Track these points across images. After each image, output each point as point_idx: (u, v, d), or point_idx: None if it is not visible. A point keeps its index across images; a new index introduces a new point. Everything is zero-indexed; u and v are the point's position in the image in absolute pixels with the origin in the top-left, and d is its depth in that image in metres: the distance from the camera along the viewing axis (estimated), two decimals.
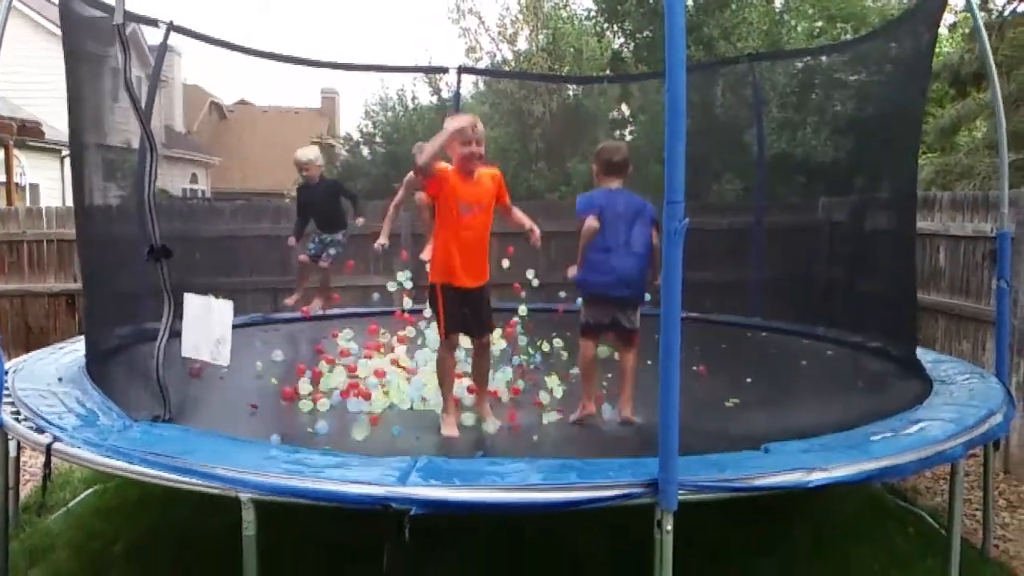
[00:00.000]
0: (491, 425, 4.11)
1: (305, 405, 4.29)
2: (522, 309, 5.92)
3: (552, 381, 4.66)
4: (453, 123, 3.94)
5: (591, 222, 3.84)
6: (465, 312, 4.08)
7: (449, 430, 4.06)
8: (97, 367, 4.23)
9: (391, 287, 5.86)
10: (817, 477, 2.78)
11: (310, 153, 6.68)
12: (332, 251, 6.54)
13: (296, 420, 4.15)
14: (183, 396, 3.86)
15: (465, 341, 4.44)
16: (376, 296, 6.53)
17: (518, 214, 4.39)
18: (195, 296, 3.63)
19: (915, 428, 3.38)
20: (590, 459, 2.96)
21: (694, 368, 4.89)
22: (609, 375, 4.46)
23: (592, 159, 4.07)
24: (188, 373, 4.35)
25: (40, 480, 4.90)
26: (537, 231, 4.35)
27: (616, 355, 4.25)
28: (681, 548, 2.59)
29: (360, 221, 6.60)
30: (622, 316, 3.90)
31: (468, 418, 4.14)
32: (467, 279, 4.05)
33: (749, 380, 4.74)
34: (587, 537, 3.84)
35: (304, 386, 4.52)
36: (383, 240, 6.08)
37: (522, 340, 5.70)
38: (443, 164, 4.04)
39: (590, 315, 3.93)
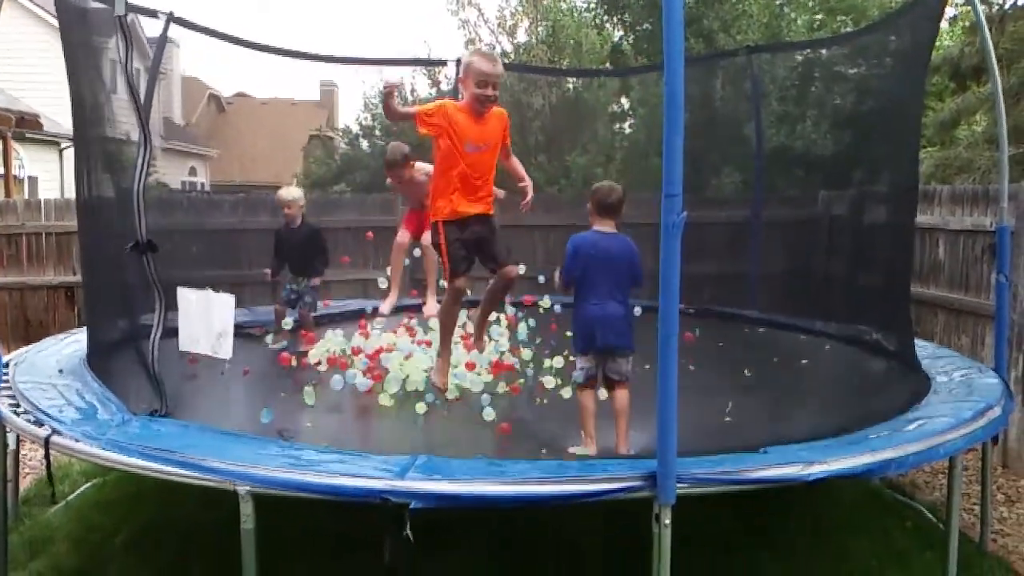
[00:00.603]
0: (480, 353, 4.37)
1: (309, 397, 4.29)
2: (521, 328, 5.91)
3: (555, 363, 4.80)
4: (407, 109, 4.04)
5: (559, 279, 3.83)
6: (473, 244, 3.99)
7: (440, 378, 4.13)
8: (97, 359, 4.23)
9: (383, 283, 5.83)
10: (816, 470, 2.77)
11: (294, 192, 6.38)
12: (308, 299, 6.21)
13: (294, 404, 4.18)
14: (183, 389, 3.86)
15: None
16: (368, 310, 6.31)
17: (516, 164, 4.35)
18: (193, 290, 3.63)
19: (914, 422, 3.38)
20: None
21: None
22: None
23: (588, 198, 3.91)
24: (188, 361, 4.36)
25: (38, 473, 4.95)
26: (530, 189, 4.36)
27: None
28: (680, 541, 2.59)
29: (316, 282, 6.20)
30: (609, 366, 3.76)
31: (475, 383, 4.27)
32: (469, 206, 3.96)
33: (747, 373, 4.75)
34: (586, 527, 3.85)
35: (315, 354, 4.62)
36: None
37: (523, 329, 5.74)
38: (446, 101, 4.02)
39: (582, 364, 3.79)
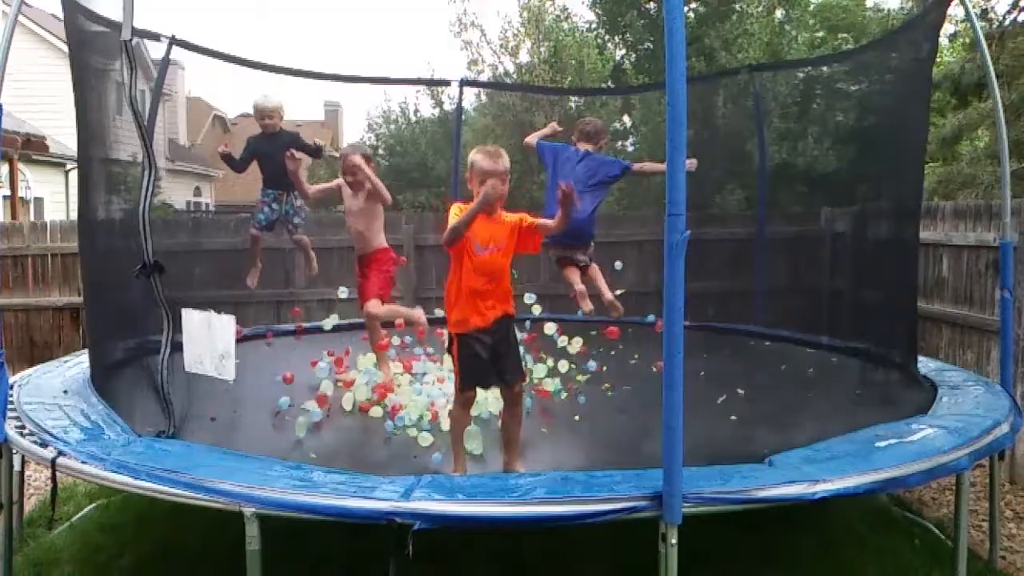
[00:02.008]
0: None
1: (300, 429, 4.18)
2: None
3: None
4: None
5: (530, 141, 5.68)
6: (487, 357, 3.68)
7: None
8: (102, 380, 4.24)
9: (342, 294, 5.68)
10: (822, 489, 2.77)
11: (275, 100, 5.79)
12: (297, 220, 5.68)
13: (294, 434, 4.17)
14: (188, 410, 3.86)
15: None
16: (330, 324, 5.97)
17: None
18: (195, 311, 3.63)
19: (920, 438, 3.37)
20: (593, 471, 2.96)
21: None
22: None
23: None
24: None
25: (43, 494, 4.95)
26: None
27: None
28: (686, 556, 2.58)
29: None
30: (576, 256, 5.32)
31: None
32: (481, 318, 3.67)
33: (752, 389, 4.74)
34: (592, 540, 3.84)
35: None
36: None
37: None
38: (456, 203, 3.72)
39: (555, 253, 5.38)
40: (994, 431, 3.52)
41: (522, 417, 3.86)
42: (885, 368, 4.90)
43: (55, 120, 15.43)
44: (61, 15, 4.32)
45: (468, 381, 3.70)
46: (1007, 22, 9.71)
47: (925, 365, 4.80)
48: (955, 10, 10.78)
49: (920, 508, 4.87)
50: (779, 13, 14.05)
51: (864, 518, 4.54)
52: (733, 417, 4.29)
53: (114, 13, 3.54)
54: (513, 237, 3.70)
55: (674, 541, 2.56)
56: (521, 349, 4.66)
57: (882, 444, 3.26)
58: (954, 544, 3.57)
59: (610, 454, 3.88)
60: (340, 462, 3.47)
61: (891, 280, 5.02)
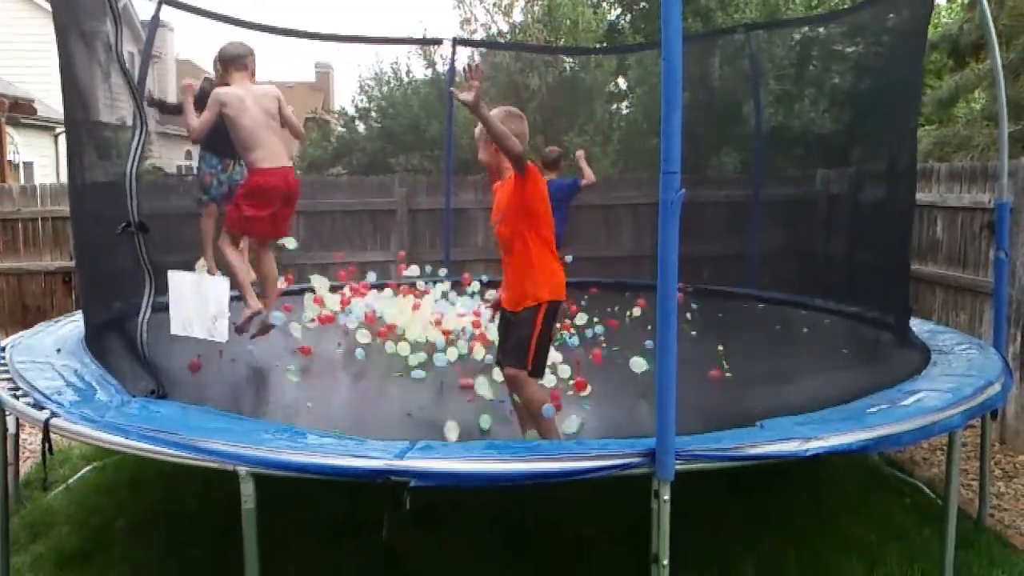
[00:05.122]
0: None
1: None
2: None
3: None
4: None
5: None
6: (502, 332, 3.65)
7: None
8: (95, 340, 4.19)
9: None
10: (813, 446, 2.78)
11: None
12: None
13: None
14: (181, 371, 3.84)
15: None
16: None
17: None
18: (185, 273, 3.61)
19: (912, 399, 3.38)
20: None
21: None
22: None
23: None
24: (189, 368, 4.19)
25: (39, 457, 4.96)
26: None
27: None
28: (680, 518, 2.60)
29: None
30: None
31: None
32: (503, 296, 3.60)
33: (746, 352, 4.76)
34: (586, 504, 3.87)
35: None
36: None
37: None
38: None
39: None
40: (986, 391, 3.53)
41: (531, 406, 3.47)
42: (879, 330, 4.92)
43: (44, 84, 15.19)
44: None
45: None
46: None
47: (919, 327, 4.81)
48: None
49: (912, 468, 4.92)
50: None
51: (855, 478, 4.59)
52: (728, 375, 4.30)
53: None
54: (515, 194, 3.41)
55: (666, 497, 2.56)
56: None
57: (875, 405, 3.27)
58: (944, 503, 3.60)
59: None
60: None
61: (885, 241, 5.02)
